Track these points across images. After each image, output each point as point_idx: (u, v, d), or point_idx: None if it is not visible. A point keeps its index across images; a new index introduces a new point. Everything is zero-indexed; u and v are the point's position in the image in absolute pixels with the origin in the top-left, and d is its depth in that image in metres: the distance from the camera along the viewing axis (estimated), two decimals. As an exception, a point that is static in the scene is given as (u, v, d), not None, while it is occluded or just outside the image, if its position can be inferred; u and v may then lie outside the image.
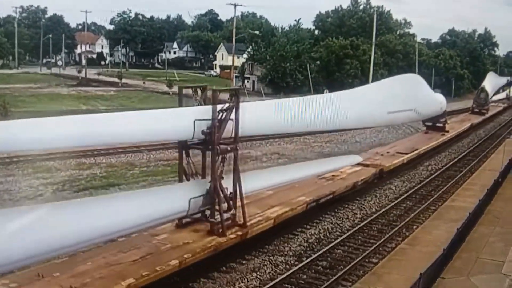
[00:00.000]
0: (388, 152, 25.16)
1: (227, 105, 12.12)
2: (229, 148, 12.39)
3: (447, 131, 33.69)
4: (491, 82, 57.15)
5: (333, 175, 18.88)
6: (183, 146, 12.59)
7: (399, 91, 22.00)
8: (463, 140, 36.13)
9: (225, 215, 12.44)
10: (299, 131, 27.03)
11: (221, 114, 11.98)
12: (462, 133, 37.67)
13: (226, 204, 12.53)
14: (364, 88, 23.58)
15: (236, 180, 12.64)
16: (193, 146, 12.47)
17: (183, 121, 11.64)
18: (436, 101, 29.96)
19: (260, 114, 14.26)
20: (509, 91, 67.46)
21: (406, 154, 24.90)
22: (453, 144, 33.91)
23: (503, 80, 68.52)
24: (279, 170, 17.98)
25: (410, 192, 20.50)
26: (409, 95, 22.60)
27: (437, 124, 33.64)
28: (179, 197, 11.80)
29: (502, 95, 66.31)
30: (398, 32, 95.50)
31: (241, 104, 12.31)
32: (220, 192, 12.21)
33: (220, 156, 12.17)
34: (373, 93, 21.22)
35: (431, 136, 32.29)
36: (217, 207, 12.21)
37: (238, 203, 12.76)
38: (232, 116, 12.16)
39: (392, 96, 21.03)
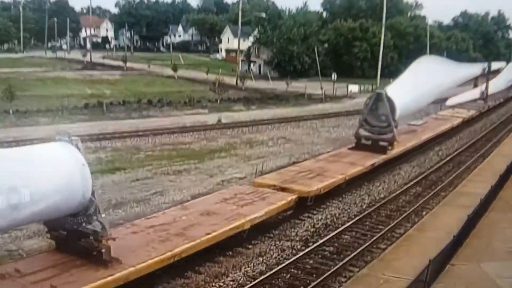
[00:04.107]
0: None
1: None
2: None
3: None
4: (421, 76, 24.22)
5: None
6: None
7: None
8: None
9: None
10: None
11: None
12: None
13: None
14: None
15: None
16: None
17: None
18: None
19: None
20: (486, 88, 41.18)
21: None
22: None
23: (474, 69, 40.25)
24: None
25: (419, 178, 20.10)
26: None
27: None
28: None
29: (473, 93, 41.22)
30: (409, 14, 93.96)
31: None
32: None
33: None
34: None
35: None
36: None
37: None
38: None
39: None
